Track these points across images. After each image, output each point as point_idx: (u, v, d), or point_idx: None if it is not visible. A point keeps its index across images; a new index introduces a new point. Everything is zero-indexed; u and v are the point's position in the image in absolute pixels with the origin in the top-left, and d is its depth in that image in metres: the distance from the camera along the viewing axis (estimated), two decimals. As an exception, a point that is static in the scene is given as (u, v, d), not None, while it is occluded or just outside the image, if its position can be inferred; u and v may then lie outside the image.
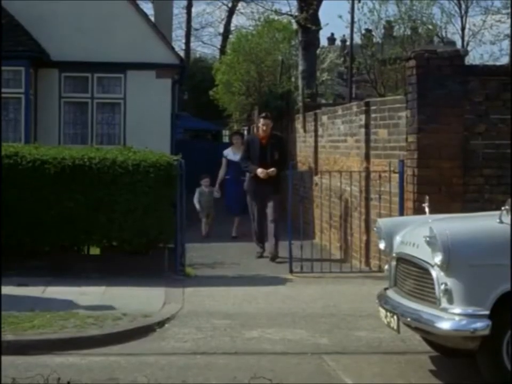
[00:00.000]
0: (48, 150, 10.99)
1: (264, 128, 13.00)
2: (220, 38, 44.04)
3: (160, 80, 18.20)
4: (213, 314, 8.60)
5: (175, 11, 37.16)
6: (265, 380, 5.45)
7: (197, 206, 15.60)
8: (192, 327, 8.11)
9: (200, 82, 33.77)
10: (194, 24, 45.46)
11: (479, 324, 5.74)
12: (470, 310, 5.80)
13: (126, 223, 10.52)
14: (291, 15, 22.27)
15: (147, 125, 17.68)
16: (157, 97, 18.03)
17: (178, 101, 24.53)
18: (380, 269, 10.45)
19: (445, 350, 6.77)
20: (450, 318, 5.83)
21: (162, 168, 10.62)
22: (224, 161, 15.49)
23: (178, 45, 40.74)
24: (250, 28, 33.29)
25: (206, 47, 61.49)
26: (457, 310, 5.83)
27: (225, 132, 34.49)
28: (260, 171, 12.62)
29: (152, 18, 20.01)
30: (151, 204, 10.54)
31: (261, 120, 13.26)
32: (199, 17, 61.19)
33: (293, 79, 23.71)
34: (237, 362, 6.94)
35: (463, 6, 29.49)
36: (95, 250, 11.11)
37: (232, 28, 41.62)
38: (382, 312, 6.64)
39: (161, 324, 8.16)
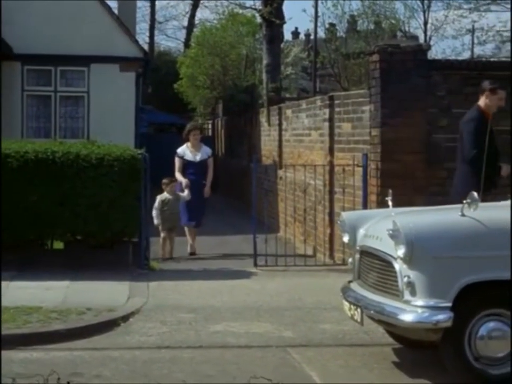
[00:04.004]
0: (11, 144, 10.90)
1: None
2: (184, 31, 43.95)
3: (124, 74, 18.12)
4: (178, 308, 8.60)
5: (139, 4, 36.92)
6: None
7: (156, 220, 12.25)
8: (156, 321, 8.10)
9: (165, 75, 33.66)
10: (158, 18, 45.34)
11: (441, 316, 5.79)
12: (432, 302, 5.85)
13: (90, 217, 10.47)
14: (255, 9, 22.29)
15: (111, 119, 17.60)
16: (121, 90, 17.94)
17: (143, 94, 24.44)
18: (344, 262, 10.51)
19: (408, 342, 6.85)
20: (413, 310, 5.88)
21: (127, 161, 10.58)
22: (178, 162, 12.71)
23: (142, 38, 40.60)
24: (215, 21, 33.29)
25: (170, 40, 61.27)
26: (420, 302, 5.88)
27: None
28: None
29: (116, 12, 19.89)
30: (115, 198, 10.49)
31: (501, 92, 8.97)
32: (163, 11, 60.88)
33: (257, 73, 23.75)
34: (202, 356, 6.95)
35: (426, 1, 29.69)
36: (58, 245, 11.05)
37: (196, 21, 41.56)
38: (346, 305, 6.68)
39: (125, 318, 8.14)
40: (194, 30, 37.80)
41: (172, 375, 6.40)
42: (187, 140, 12.91)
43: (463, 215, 6.04)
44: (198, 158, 12.72)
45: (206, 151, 12.97)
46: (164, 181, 12.49)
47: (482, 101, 8.95)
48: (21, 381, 5.52)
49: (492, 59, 27.15)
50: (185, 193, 12.42)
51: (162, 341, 7.40)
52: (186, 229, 12.71)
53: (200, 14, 62.35)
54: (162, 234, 12.34)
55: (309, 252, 12.04)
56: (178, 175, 12.65)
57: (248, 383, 5.65)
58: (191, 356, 6.97)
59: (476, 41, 32.22)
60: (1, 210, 10.20)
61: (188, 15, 43.73)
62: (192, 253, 12.59)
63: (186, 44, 36.58)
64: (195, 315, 8.33)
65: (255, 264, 11.16)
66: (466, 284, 5.84)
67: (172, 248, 12.39)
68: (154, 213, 12.19)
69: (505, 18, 49.27)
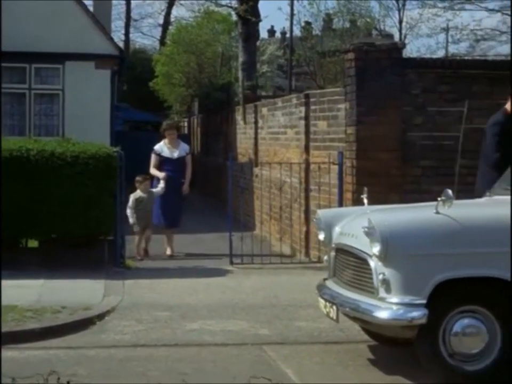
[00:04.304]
0: (-15, 142, 10.82)
1: None
2: (159, 29, 43.88)
3: (99, 71, 18.04)
4: (154, 306, 8.58)
5: (114, 2, 36.82)
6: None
7: (131, 219, 11.99)
8: (132, 319, 8.08)
9: (140, 73, 33.58)
10: (134, 15, 45.25)
11: (416, 313, 5.82)
12: (407, 299, 5.87)
13: (66, 215, 10.41)
14: (231, 7, 22.30)
15: (86, 116, 17.51)
16: (96, 88, 17.87)
17: (118, 92, 24.37)
18: (320, 260, 10.54)
19: (383, 339, 6.87)
20: (388, 308, 5.90)
21: (102, 159, 10.55)
22: (154, 158, 12.41)
23: (118, 36, 40.52)
24: (190, 19, 33.25)
25: (145, 38, 61.15)
26: (395, 299, 5.91)
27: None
28: None
29: (91, 9, 19.81)
30: (91, 196, 10.45)
31: None
32: (139, 8, 60.95)
33: (233, 71, 23.75)
34: (178, 354, 6.94)
35: (401, 0, 29.78)
36: (33, 243, 10.99)
37: (172, 19, 41.52)
38: (322, 302, 6.70)
39: (101, 316, 8.11)
40: (170, 27, 37.75)
41: (148, 373, 6.38)
42: (164, 137, 12.64)
43: (437, 212, 6.07)
44: (175, 155, 12.44)
45: (184, 148, 12.71)
46: (138, 178, 12.14)
47: (508, 105, 8.85)
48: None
49: (466, 58, 27.31)
50: (160, 186, 12.14)
51: (138, 339, 7.39)
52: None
53: (175, 12, 62.41)
54: (137, 234, 12.05)
55: (285, 249, 12.06)
56: (153, 171, 12.38)
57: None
58: (166, 354, 6.96)
59: (450, 39, 32.42)
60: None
61: (163, 13, 43.73)
62: (171, 255, 12.13)
63: (162, 42, 36.53)
64: (171, 313, 8.32)
65: (231, 262, 11.17)
66: (440, 281, 5.86)
67: (147, 246, 12.14)
68: (128, 212, 11.97)
69: (479, 17, 49.61)
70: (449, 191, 6.14)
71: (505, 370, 5.91)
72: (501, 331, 5.92)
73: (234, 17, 23.50)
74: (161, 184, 12.20)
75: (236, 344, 7.25)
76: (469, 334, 5.94)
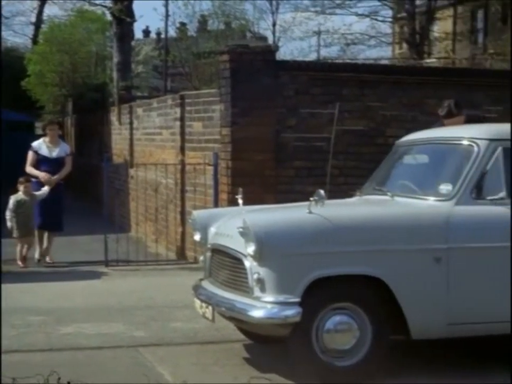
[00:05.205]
0: None
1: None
2: (32, 27, 42.93)
3: (-32, 70, 17.56)
4: (27, 311, 8.42)
5: (-17, -2, 35.81)
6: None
7: (9, 223, 11.32)
8: (4, 325, 7.89)
9: (11, 72, 32.78)
10: (5, 13, 43.94)
11: (289, 311, 5.90)
12: (281, 298, 5.96)
13: None
14: (105, 6, 22.04)
15: (-46, 117, 17.01)
16: (-35, 87, 17.38)
17: (-12, 91, 23.74)
18: (196, 260, 10.60)
19: (258, 338, 6.97)
20: (262, 306, 5.97)
21: (-29, 161, 10.29)
22: (31, 156, 11.71)
23: (-12, 34, 39.34)
24: (63, 18, 32.71)
25: (17, 36, 59.68)
26: (269, 298, 5.98)
27: (38, 124, 33.67)
28: None
29: (-41, 6, 19.25)
30: (-41, 199, 10.18)
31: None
32: (9, 6, 59.29)
33: (108, 71, 23.52)
34: (52, 359, 6.83)
35: (274, 3, 30.21)
36: None
37: (44, 18, 40.69)
38: (197, 302, 6.73)
39: (-29, 322, 7.90)
40: (43, 26, 37.03)
41: (21, 380, 6.25)
42: (45, 135, 11.99)
43: (310, 212, 6.18)
44: (54, 154, 11.71)
45: (64, 148, 12.04)
46: (20, 179, 11.40)
47: (447, 120, 8.77)
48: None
49: (337, 61, 27.92)
50: (43, 189, 11.39)
51: (10, 344, 7.22)
52: (46, 233, 11.74)
53: (48, 10, 61.19)
54: (18, 239, 11.37)
55: (161, 250, 12.04)
56: (30, 170, 11.65)
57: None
58: (41, 359, 6.83)
59: (322, 43, 33.09)
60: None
61: (35, 11, 42.78)
62: (50, 263, 11.54)
63: (35, 40, 35.79)
64: (45, 317, 8.18)
65: (106, 265, 11.07)
66: (314, 279, 5.97)
67: (27, 253, 11.45)
68: (7, 214, 11.33)
69: (350, 22, 50.86)
70: (322, 191, 6.27)
71: (374, 365, 6.10)
72: (371, 327, 6.08)
73: (108, 17, 23.25)
74: (45, 188, 11.50)
75: (111, 347, 7.19)
76: (340, 330, 6.06)
